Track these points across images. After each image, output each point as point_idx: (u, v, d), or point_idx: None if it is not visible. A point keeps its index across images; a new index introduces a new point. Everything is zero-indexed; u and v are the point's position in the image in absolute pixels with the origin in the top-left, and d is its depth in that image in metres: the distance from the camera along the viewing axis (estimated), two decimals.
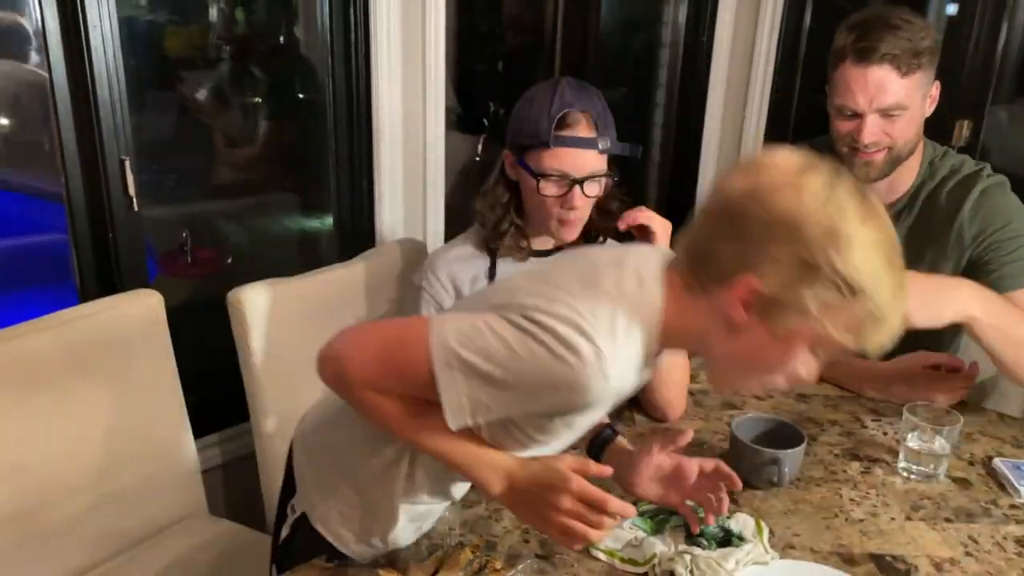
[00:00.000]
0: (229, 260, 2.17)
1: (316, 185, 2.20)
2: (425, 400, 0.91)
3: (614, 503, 0.92)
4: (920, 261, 1.57)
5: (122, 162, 1.63)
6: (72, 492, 1.45)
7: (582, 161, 1.37)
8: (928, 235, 1.58)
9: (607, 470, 0.98)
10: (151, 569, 1.51)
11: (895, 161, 1.55)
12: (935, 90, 1.55)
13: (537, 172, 1.37)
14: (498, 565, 1.06)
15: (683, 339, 0.94)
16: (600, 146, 1.37)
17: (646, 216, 1.42)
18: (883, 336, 0.86)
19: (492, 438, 0.96)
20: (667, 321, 0.90)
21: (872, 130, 1.49)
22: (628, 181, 1.57)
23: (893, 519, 1.22)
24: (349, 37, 1.96)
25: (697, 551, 1.09)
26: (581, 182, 1.37)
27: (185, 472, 1.63)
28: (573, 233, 1.44)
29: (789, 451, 1.25)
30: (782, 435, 1.30)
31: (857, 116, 1.50)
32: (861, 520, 1.22)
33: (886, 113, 1.48)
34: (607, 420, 1.23)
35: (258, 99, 2.27)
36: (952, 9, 2.61)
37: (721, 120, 2.94)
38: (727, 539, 1.12)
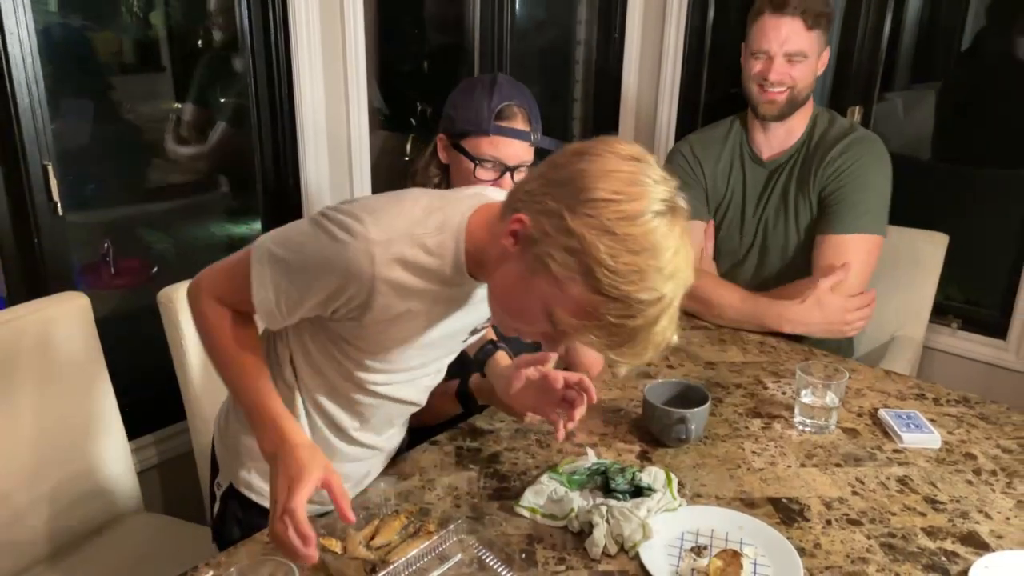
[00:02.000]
0: (155, 270, 2.18)
1: (244, 187, 2.24)
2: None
3: (305, 552, 0.94)
4: (795, 200, 1.90)
5: (45, 167, 1.65)
6: (2, 495, 1.47)
7: (515, 151, 1.49)
8: (804, 178, 1.89)
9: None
10: (87, 567, 1.54)
11: (793, 103, 1.86)
12: (826, 56, 1.86)
13: (475, 157, 1.49)
14: (431, 528, 1.14)
15: (484, 264, 0.98)
16: (533, 139, 1.51)
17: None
18: (608, 343, 0.87)
19: (337, 365, 1.11)
20: (469, 239, 0.99)
21: (779, 70, 1.80)
22: None
23: (789, 467, 1.35)
24: (269, 39, 2.01)
25: (612, 502, 1.19)
26: (512, 170, 1.49)
27: (119, 472, 1.65)
28: None
29: (695, 410, 1.36)
30: (690, 397, 1.42)
31: (768, 58, 1.80)
32: (761, 469, 1.34)
33: (791, 58, 1.80)
34: (492, 337, 1.37)
35: (178, 104, 2.29)
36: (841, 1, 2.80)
37: (635, 112, 3.08)
38: (638, 491, 1.22)
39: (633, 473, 1.25)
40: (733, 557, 1.07)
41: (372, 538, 1.11)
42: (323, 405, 1.17)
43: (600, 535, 1.12)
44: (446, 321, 1.09)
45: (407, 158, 2.57)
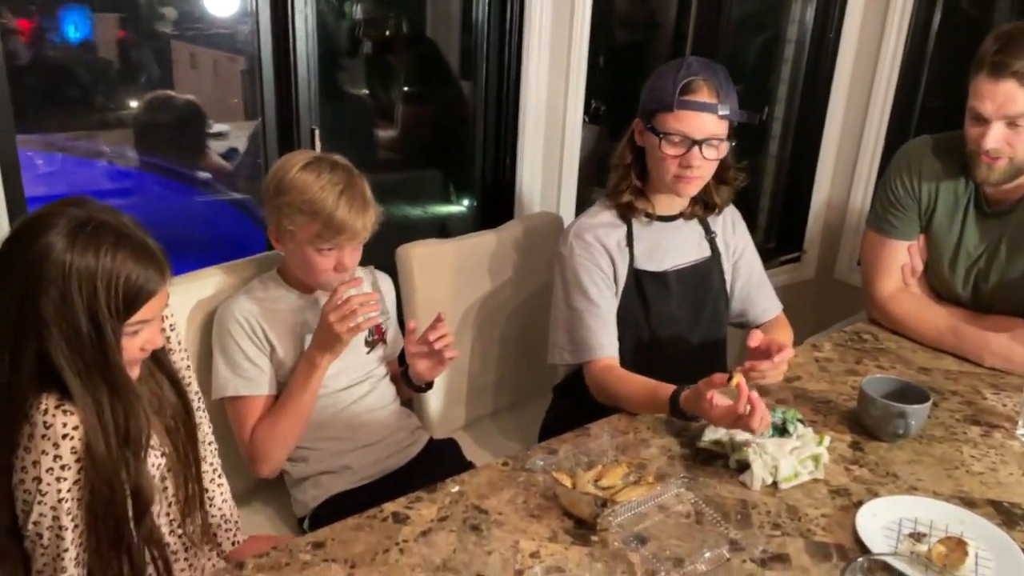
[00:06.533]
0: None
1: (461, 162, 2.43)
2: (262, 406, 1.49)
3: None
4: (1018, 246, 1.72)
5: (312, 131, 1.87)
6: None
7: (701, 124, 1.51)
8: None
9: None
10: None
11: (1016, 170, 1.65)
12: None
13: (660, 132, 1.53)
14: (650, 479, 1.23)
15: (290, 270, 1.55)
16: (720, 111, 1.51)
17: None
18: (326, 232, 1.42)
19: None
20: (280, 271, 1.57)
21: (995, 136, 1.60)
22: (746, 159, 1.72)
23: (1011, 474, 1.32)
24: (504, 28, 2.15)
25: (760, 440, 1.29)
26: (700, 143, 1.51)
27: None
28: (688, 189, 1.60)
29: (916, 406, 1.36)
30: (907, 394, 1.41)
31: (985, 121, 1.60)
32: (981, 473, 1.32)
33: (1012, 122, 1.58)
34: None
35: (410, 87, 2.52)
36: None
37: (843, 117, 3.01)
38: (784, 431, 1.32)
39: (791, 414, 1.34)
40: (957, 545, 1.08)
41: (598, 479, 1.21)
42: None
43: (759, 469, 1.23)
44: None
45: None
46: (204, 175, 2.34)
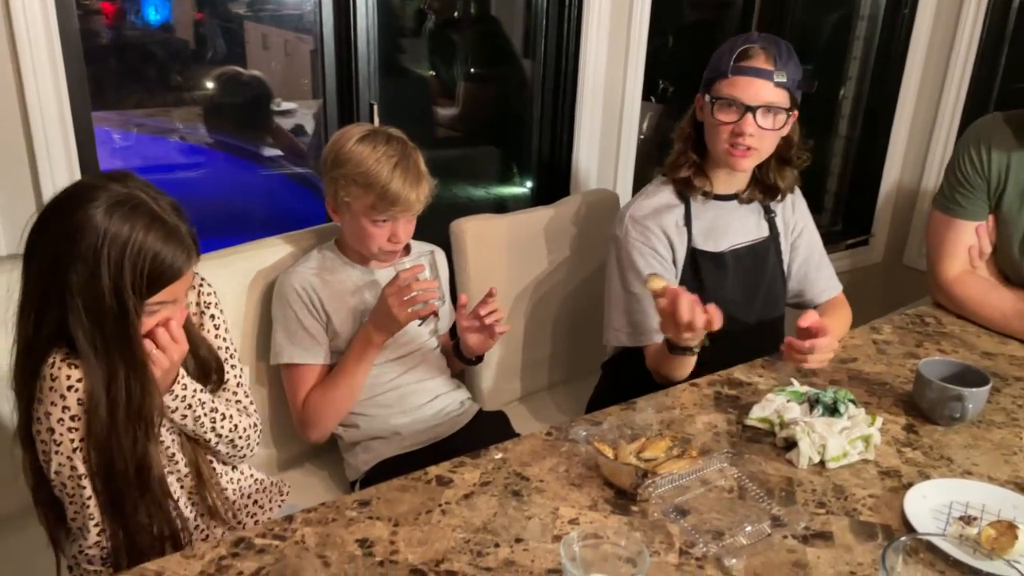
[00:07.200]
0: None
1: (519, 140, 2.44)
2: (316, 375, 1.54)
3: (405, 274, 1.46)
4: None
5: (371, 106, 1.91)
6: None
7: (756, 90, 1.49)
8: None
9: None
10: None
11: None
12: None
13: (715, 98, 1.52)
14: (694, 453, 1.22)
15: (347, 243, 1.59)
16: (776, 78, 1.49)
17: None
18: (383, 203, 1.47)
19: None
20: (338, 243, 1.62)
21: None
22: (813, 139, 1.68)
23: None
24: (563, 5, 2.14)
25: (809, 419, 1.28)
26: (754, 110, 1.49)
27: None
28: (743, 163, 1.56)
29: (974, 389, 1.32)
30: (966, 377, 1.37)
31: None
32: None
33: None
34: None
35: (473, 66, 2.54)
36: None
37: (916, 97, 2.91)
38: (834, 410, 1.29)
39: (843, 394, 1.32)
40: (1008, 529, 1.05)
41: (640, 451, 1.21)
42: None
43: (806, 448, 1.22)
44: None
45: (641, 135, 2.58)
46: (271, 151, 2.42)
